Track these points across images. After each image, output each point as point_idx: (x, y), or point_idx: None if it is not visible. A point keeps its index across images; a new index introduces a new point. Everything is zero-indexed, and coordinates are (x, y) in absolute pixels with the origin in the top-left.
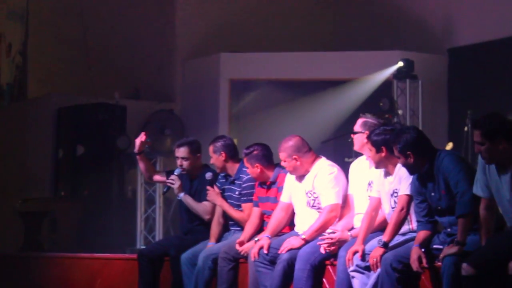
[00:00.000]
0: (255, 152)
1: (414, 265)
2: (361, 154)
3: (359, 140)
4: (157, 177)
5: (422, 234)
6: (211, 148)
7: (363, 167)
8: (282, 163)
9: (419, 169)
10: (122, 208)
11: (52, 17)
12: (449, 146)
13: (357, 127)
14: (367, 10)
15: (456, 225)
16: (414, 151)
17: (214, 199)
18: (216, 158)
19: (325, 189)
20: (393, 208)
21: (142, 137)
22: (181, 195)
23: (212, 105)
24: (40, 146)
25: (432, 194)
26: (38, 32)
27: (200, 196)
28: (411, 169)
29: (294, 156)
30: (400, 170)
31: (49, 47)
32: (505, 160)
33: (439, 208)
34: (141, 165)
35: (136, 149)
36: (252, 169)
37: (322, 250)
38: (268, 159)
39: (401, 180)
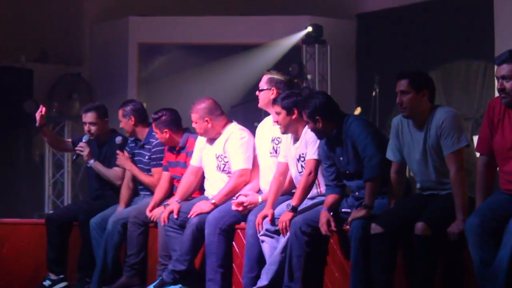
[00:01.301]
0: (163, 118)
1: (323, 229)
2: (268, 114)
3: (265, 97)
4: (63, 148)
5: (330, 198)
6: (120, 112)
7: (268, 125)
8: (193, 125)
9: (327, 134)
10: (29, 173)
11: None
12: (358, 110)
13: (262, 84)
14: None
15: (364, 188)
16: (323, 116)
17: (124, 164)
18: (125, 122)
19: (236, 153)
20: (300, 172)
21: (41, 111)
22: (91, 162)
23: (121, 69)
24: None
25: (341, 158)
26: None
27: (110, 161)
28: (319, 134)
29: (206, 118)
30: (306, 135)
31: None
32: (422, 115)
33: (347, 172)
34: (46, 139)
35: (37, 123)
36: (161, 135)
37: (233, 208)
38: (177, 124)
39: (307, 144)
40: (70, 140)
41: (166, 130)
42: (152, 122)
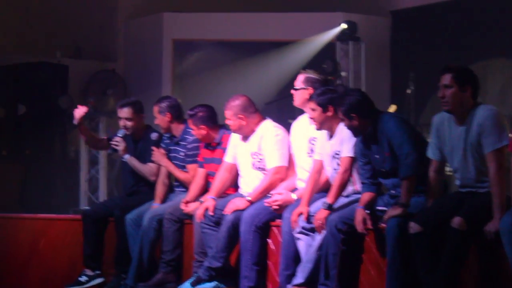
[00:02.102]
0: (200, 114)
1: (359, 227)
2: (303, 112)
3: (301, 96)
4: (100, 146)
5: (366, 196)
6: (156, 109)
7: (304, 125)
8: (227, 121)
9: (363, 132)
10: (65, 168)
11: None
12: (392, 108)
13: (299, 83)
14: None
15: (399, 187)
16: (358, 113)
17: (159, 160)
18: (161, 118)
19: (271, 150)
20: (335, 169)
21: (82, 110)
22: (126, 156)
23: (155, 65)
24: None
25: (376, 156)
26: None
27: (144, 157)
28: (355, 132)
29: (240, 115)
30: (342, 132)
31: None
32: (463, 111)
33: (383, 170)
34: (83, 137)
35: (75, 121)
36: (197, 131)
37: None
38: (213, 120)
39: (342, 141)
40: (105, 137)
41: (202, 126)
42: (189, 118)
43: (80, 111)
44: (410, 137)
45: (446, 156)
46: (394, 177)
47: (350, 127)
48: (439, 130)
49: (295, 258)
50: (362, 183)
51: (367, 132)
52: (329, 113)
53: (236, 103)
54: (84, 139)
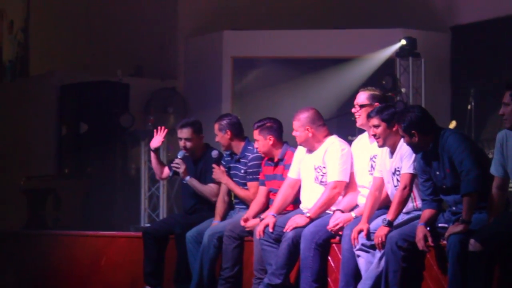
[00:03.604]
0: (268, 124)
1: (420, 244)
2: (363, 131)
3: (366, 113)
4: (165, 173)
5: (427, 213)
6: (216, 126)
7: (365, 143)
8: (294, 133)
9: (423, 148)
10: (125, 186)
11: None
12: (453, 124)
13: (363, 100)
14: None
15: (461, 203)
16: (419, 130)
17: (220, 178)
18: (221, 136)
19: (333, 164)
20: (395, 186)
21: (162, 135)
22: (187, 178)
23: (215, 83)
24: (43, 123)
25: (437, 173)
26: (40, 8)
27: (205, 177)
28: (415, 148)
29: (307, 127)
30: (402, 149)
31: (51, 24)
32: None
33: (444, 187)
34: (154, 161)
35: (153, 145)
36: (264, 141)
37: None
38: (280, 133)
39: (402, 158)
40: (166, 166)
41: (270, 136)
42: (255, 129)
43: (159, 140)
44: (471, 153)
45: (509, 172)
46: (455, 194)
47: (410, 144)
48: (503, 147)
49: (355, 275)
50: (423, 200)
51: (428, 148)
52: (394, 129)
53: (305, 115)
54: (153, 164)
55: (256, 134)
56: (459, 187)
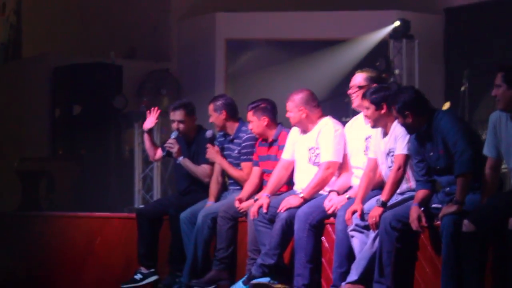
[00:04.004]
0: (262, 105)
1: (414, 224)
2: (357, 113)
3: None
4: (158, 154)
5: (421, 193)
6: (211, 107)
7: (360, 124)
8: (288, 114)
9: (417, 129)
10: (119, 168)
11: None
12: (446, 105)
13: (361, 81)
14: None
15: (454, 184)
16: (413, 110)
17: (214, 157)
18: (216, 116)
19: (327, 145)
20: (390, 167)
21: (155, 116)
22: (180, 158)
23: (208, 64)
24: (37, 106)
25: (431, 153)
26: None
27: (198, 158)
28: (409, 129)
29: (301, 108)
30: (395, 130)
31: (44, 5)
32: None
33: (437, 167)
34: (147, 143)
35: (146, 126)
36: (258, 122)
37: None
38: (274, 114)
39: (396, 139)
40: (159, 148)
41: (264, 117)
42: (250, 109)
43: (152, 121)
44: (464, 134)
45: (503, 153)
46: (449, 175)
47: (404, 125)
48: (496, 128)
49: (349, 256)
50: (417, 180)
51: (421, 129)
52: (383, 111)
53: (299, 95)
54: (147, 145)
55: (250, 115)
56: (452, 168)
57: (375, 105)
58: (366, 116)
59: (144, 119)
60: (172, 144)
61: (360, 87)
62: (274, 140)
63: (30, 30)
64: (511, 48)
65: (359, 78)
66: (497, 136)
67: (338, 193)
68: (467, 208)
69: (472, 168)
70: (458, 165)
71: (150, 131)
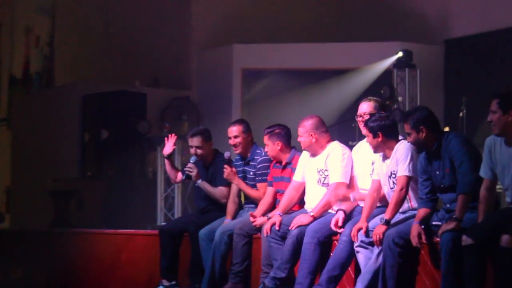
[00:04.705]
0: (277, 131)
1: (414, 241)
2: (364, 137)
3: None
4: (178, 177)
5: (422, 212)
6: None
7: (367, 149)
8: (299, 138)
9: (428, 146)
10: (143, 188)
11: (76, 10)
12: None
13: (371, 109)
14: (369, 3)
15: (455, 202)
16: (427, 126)
17: (231, 178)
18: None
19: (335, 167)
20: (392, 188)
21: (172, 142)
22: (199, 181)
23: (226, 92)
24: (68, 130)
25: (437, 172)
26: (64, 24)
27: (215, 180)
28: (420, 146)
29: (311, 133)
30: (397, 153)
31: (75, 38)
32: (508, 132)
33: (442, 186)
34: (168, 167)
35: (165, 152)
36: (272, 146)
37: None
38: (288, 139)
39: (398, 162)
40: (180, 171)
41: (278, 142)
42: (265, 134)
43: (170, 146)
44: (471, 157)
45: (498, 175)
46: (451, 192)
47: (416, 141)
48: (491, 152)
49: (343, 265)
50: (420, 198)
51: (432, 147)
52: (379, 139)
53: (309, 121)
54: (168, 169)
55: (265, 139)
56: (455, 187)
57: (372, 133)
58: (367, 142)
59: (163, 145)
60: (191, 168)
61: (372, 115)
62: (288, 163)
63: (62, 60)
64: (507, 76)
65: (370, 106)
66: (492, 159)
67: (345, 212)
68: (465, 226)
69: (474, 189)
70: (462, 185)
71: (169, 156)
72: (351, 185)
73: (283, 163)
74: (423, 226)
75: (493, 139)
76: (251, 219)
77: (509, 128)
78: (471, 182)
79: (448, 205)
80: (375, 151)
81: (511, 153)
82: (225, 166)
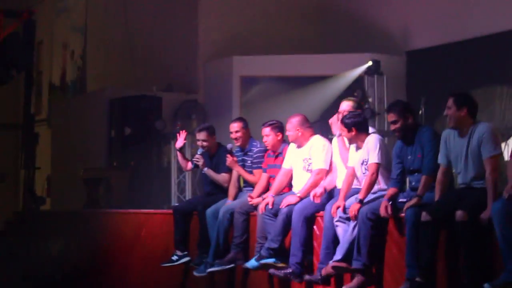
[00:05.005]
0: (278, 124)
1: (382, 213)
2: None
3: None
4: (188, 166)
5: (391, 191)
6: (239, 126)
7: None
8: (287, 133)
9: (409, 132)
10: (160, 175)
11: (104, 29)
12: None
13: (350, 108)
14: (345, 22)
15: (419, 181)
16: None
17: (233, 166)
18: (244, 132)
19: (317, 156)
20: (364, 173)
21: (183, 137)
22: (205, 169)
23: (227, 96)
24: (97, 128)
25: (409, 157)
26: (94, 40)
27: (219, 168)
28: (403, 132)
29: (297, 128)
30: (368, 144)
31: (102, 51)
32: (464, 127)
33: (411, 168)
34: (180, 158)
35: (177, 146)
36: (274, 136)
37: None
38: (283, 132)
39: (369, 151)
40: (189, 161)
41: (279, 133)
42: (267, 126)
43: (181, 141)
44: (436, 147)
45: (452, 161)
46: (417, 173)
47: (403, 127)
48: (447, 142)
49: (334, 241)
50: (392, 178)
51: (410, 134)
52: (353, 133)
53: (296, 119)
54: (180, 160)
55: (267, 130)
56: (421, 170)
57: (347, 128)
58: (343, 135)
59: (175, 140)
60: (198, 159)
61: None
62: (280, 153)
63: (92, 70)
64: (459, 82)
65: (349, 105)
66: (447, 148)
67: (326, 189)
68: (425, 202)
69: (435, 173)
70: (426, 169)
71: (181, 149)
72: (330, 170)
73: (276, 153)
74: (390, 202)
75: (448, 132)
76: (249, 199)
77: (462, 122)
78: (434, 168)
79: (413, 183)
80: (350, 143)
81: (462, 143)
82: (228, 155)
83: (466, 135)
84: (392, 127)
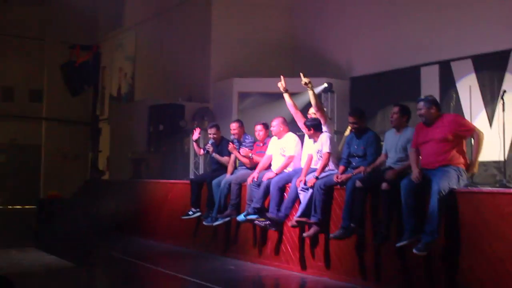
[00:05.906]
0: (267, 124)
1: (334, 180)
2: None
3: None
4: (201, 152)
5: (341, 168)
6: (237, 124)
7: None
8: (272, 128)
9: (361, 132)
10: (182, 157)
11: (147, 57)
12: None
13: (311, 115)
14: (309, 54)
15: (360, 163)
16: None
17: (232, 150)
18: (240, 129)
19: (290, 146)
20: (318, 159)
21: (197, 132)
22: (213, 154)
23: (228, 105)
24: (141, 125)
25: (355, 147)
26: (140, 65)
27: (222, 153)
28: (358, 130)
29: (280, 125)
30: (321, 139)
31: (145, 72)
32: (399, 128)
33: (354, 154)
34: (195, 147)
35: (193, 138)
36: (264, 131)
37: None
38: (269, 129)
39: (323, 144)
40: (202, 148)
41: (267, 130)
42: (261, 124)
43: (197, 134)
44: (377, 146)
45: (388, 151)
46: (358, 158)
47: (358, 128)
48: (387, 138)
49: (294, 201)
50: (342, 158)
51: (361, 133)
52: (311, 132)
53: (280, 119)
54: (195, 147)
55: (260, 127)
56: (361, 156)
57: (307, 128)
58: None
59: (193, 133)
60: (209, 147)
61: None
62: (265, 143)
63: (138, 86)
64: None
65: (312, 112)
66: (387, 142)
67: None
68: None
69: (374, 161)
70: (369, 160)
71: (196, 140)
72: (297, 157)
73: (262, 144)
74: (340, 174)
75: (390, 131)
76: (249, 179)
77: (400, 124)
78: (373, 157)
79: (354, 164)
80: (309, 138)
81: (395, 138)
82: (229, 143)
83: (399, 133)
84: (351, 125)
